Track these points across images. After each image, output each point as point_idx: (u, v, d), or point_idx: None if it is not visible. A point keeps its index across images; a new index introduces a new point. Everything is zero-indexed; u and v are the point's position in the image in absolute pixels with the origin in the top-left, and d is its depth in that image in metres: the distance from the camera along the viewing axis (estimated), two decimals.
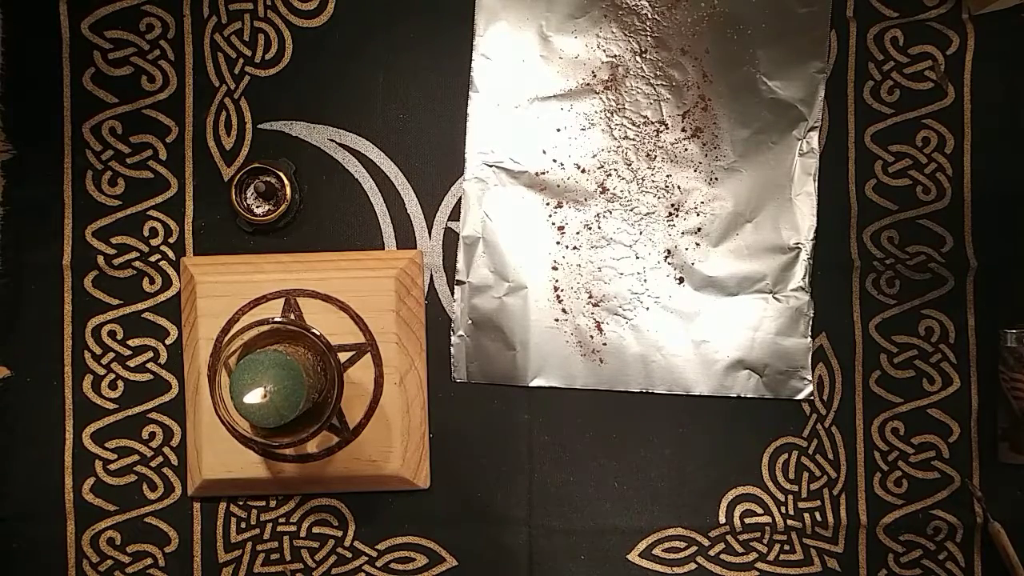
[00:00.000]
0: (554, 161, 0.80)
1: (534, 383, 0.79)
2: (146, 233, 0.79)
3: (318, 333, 0.64)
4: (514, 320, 0.79)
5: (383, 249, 0.80)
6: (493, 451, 0.79)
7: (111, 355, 0.79)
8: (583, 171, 0.80)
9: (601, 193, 0.80)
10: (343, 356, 0.75)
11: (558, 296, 0.79)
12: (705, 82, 0.80)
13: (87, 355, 0.78)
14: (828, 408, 0.80)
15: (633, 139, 0.80)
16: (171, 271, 0.79)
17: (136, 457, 0.78)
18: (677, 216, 0.80)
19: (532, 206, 0.80)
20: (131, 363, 0.79)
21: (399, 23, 0.80)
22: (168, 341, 0.79)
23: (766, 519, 0.79)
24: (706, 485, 0.79)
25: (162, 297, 0.79)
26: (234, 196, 0.77)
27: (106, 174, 0.79)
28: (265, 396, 0.59)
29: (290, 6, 0.80)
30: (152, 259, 0.79)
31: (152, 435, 0.78)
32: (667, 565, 0.79)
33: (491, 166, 0.80)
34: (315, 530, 0.78)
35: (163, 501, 0.78)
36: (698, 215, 0.80)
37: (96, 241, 0.79)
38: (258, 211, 0.78)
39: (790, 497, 0.79)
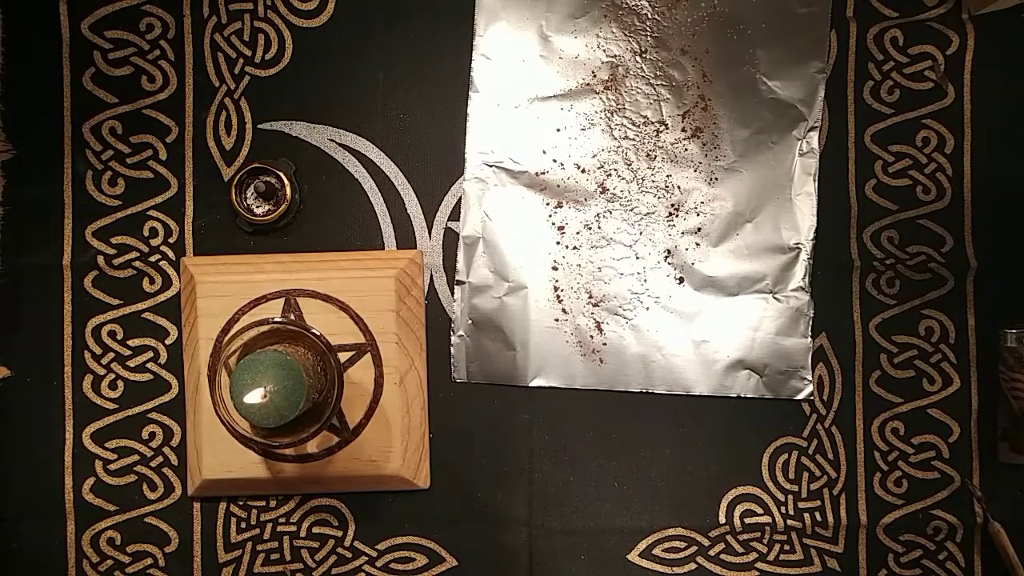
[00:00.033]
0: (554, 161, 0.80)
1: (534, 383, 0.79)
2: (146, 233, 0.79)
3: (318, 333, 0.64)
4: (514, 320, 0.79)
5: (383, 249, 0.80)
6: (493, 451, 0.79)
7: (111, 355, 0.79)
8: (583, 171, 0.80)
9: (601, 193, 0.80)
10: (343, 356, 0.75)
11: (558, 296, 0.79)
12: (705, 82, 0.80)
13: (87, 355, 0.78)
14: (828, 408, 0.80)
15: (633, 139, 0.80)
16: (171, 271, 0.79)
17: (136, 457, 0.78)
18: (677, 216, 0.80)
19: (532, 206, 0.80)
20: (131, 363, 0.79)
21: (399, 23, 0.80)
22: (168, 341, 0.79)
23: (766, 519, 0.79)
24: (706, 485, 0.79)
25: (162, 297, 0.79)
26: (234, 196, 0.77)
27: (106, 174, 0.79)
28: (265, 396, 0.59)
29: (290, 6, 0.80)
30: (152, 259, 0.79)
31: (152, 435, 0.78)
32: (667, 565, 0.79)
33: (491, 166, 0.80)
34: (315, 530, 0.78)
35: (163, 501, 0.78)
36: (698, 215, 0.80)
37: (96, 241, 0.79)
38: (258, 211, 0.78)
39: (790, 497, 0.79)
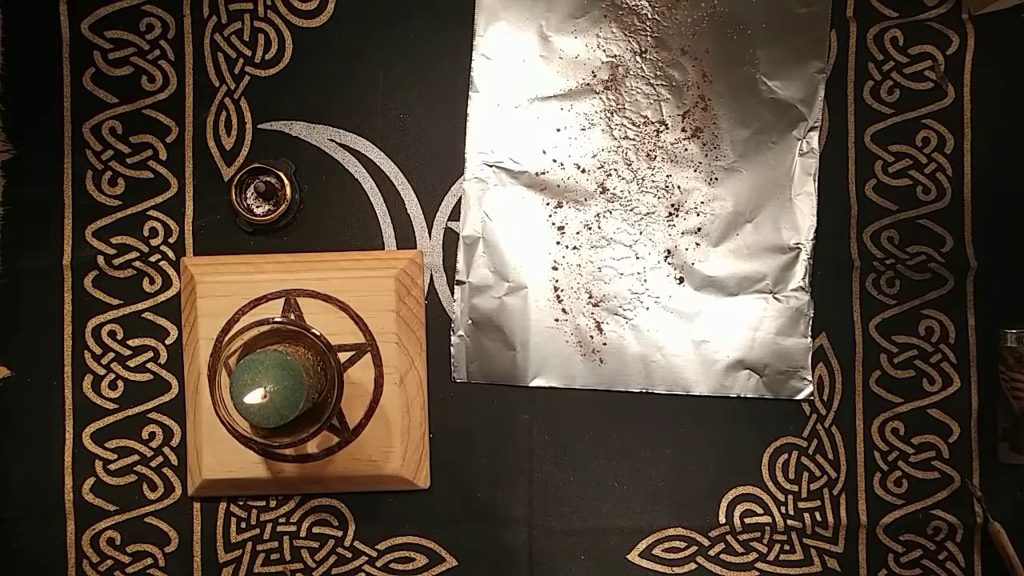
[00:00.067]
0: (554, 161, 0.80)
1: (534, 383, 0.79)
2: (146, 233, 0.79)
3: (318, 333, 0.64)
4: (514, 320, 0.79)
5: (383, 249, 0.80)
6: (493, 451, 0.79)
7: (111, 355, 0.79)
8: (583, 171, 0.80)
9: (601, 193, 0.80)
10: (343, 356, 0.75)
11: (558, 296, 0.79)
12: (705, 82, 0.80)
13: (87, 355, 0.78)
14: (828, 408, 0.80)
15: (633, 139, 0.80)
16: (171, 271, 0.79)
17: (136, 457, 0.78)
18: (677, 216, 0.80)
19: (532, 206, 0.80)
20: (131, 363, 0.79)
21: (399, 23, 0.80)
22: (168, 341, 0.79)
23: (766, 519, 0.79)
24: (706, 485, 0.79)
25: (162, 297, 0.79)
26: (234, 196, 0.77)
27: (106, 174, 0.79)
28: (265, 396, 0.59)
29: (290, 6, 0.80)
30: (152, 259, 0.79)
31: (152, 435, 0.78)
32: (667, 565, 0.79)
33: (491, 166, 0.80)
34: (315, 530, 0.78)
35: (163, 501, 0.78)
36: (698, 215, 0.80)
37: (96, 241, 0.79)
38: (258, 211, 0.78)
39: (790, 497, 0.79)
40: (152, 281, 0.79)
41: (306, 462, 0.76)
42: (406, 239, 0.80)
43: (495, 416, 0.79)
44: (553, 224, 0.80)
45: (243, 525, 0.78)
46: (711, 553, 0.79)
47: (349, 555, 0.78)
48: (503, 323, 0.79)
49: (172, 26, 0.80)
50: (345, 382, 0.65)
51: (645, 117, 0.80)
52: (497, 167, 0.80)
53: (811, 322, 0.79)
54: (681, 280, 0.79)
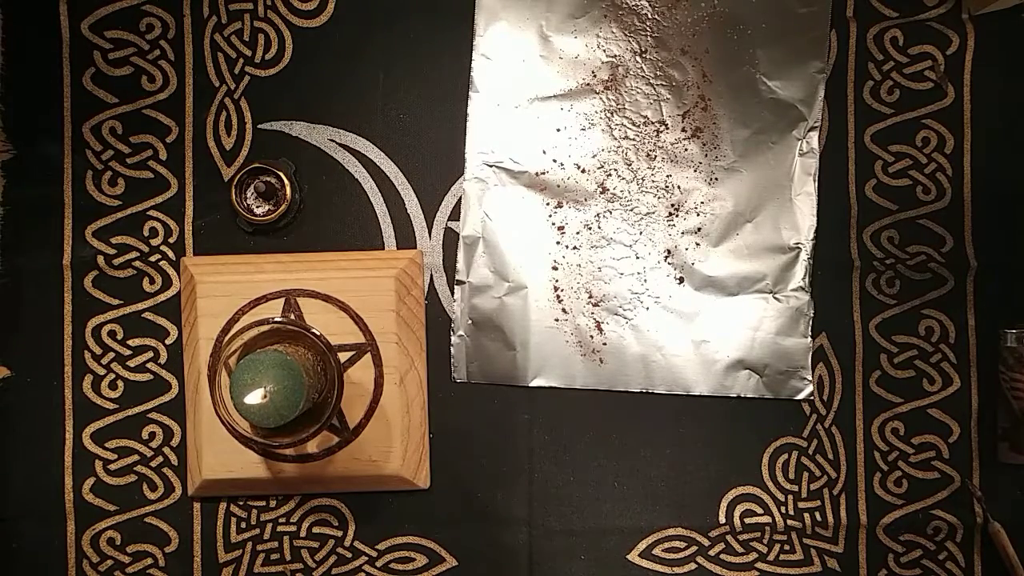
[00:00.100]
0: (554, 161, 0.80)
1: (534, 383, 0.79)
2: (146, 233, 0.79)
3: (318, 333, 0.64)
4: (514, 320, 0.79)
5: (383, 249, 0.80)
6: (493, 451, 0.79)
7: (111, 355, 0.79)
8: (583, 171, 0.80)
9: (601, 193, 0.80)
10: (343, 356, 0.75)
11: (558, 296, 0.79)
12: (705, 82, 0.80)
13: (87, 355, 0.78)
14: (828, 408, 0.80)
15: (633, 139, 0.80)
16: (171, 271, 0.79)
17: (136, 457, 0.78)
18: (677, 216, 0.80)
19: (532, 206, 0.80)
20: (131, 363, 0.79)
21: (399, 23, 0.80)
22: (168, 341, 0.79)
23: (766, 519, 0.79)
24: (706, 485, 0.79)
25: (162, 297, 0.79)
26: (234, 196, 0.77)
27: (106, 174, 0.79)
28: (265, 396, 0.59)
29: (290, 6, 0.80)
30: (152, 259, 0.79)
31: (152, 435, 0.78)
32: (667, 565, 0.79)
33: (491, 166, 0.80)
34: (315, 530, 0.78)
35: (163, 501, 0.78)
36: (698, 215, 0.80)
37: (96, 241, 0.79)
38: (258, 211, 0.78)
39: (790, 497, 0.79)
40: (152, 281, 0.79)
41: (306, 462, 0.76)
42: (406, 239, 0.80)
43: (495, 416, 0.79)
44: (553, 224, 0.80)
45: (243, 525, 0.78)
46: (711, 553, 0.79)
47: (349, 555, 0.78)
48: (503, 323, 0.79)
49: (172, 26, 0.80)
50: (345, 382, 0.65)
51: (645, 117, 0.80)
52: (497, 167, 0.80)
53: (811, 322, 0.79)
54: (681, 280, 0.79)
